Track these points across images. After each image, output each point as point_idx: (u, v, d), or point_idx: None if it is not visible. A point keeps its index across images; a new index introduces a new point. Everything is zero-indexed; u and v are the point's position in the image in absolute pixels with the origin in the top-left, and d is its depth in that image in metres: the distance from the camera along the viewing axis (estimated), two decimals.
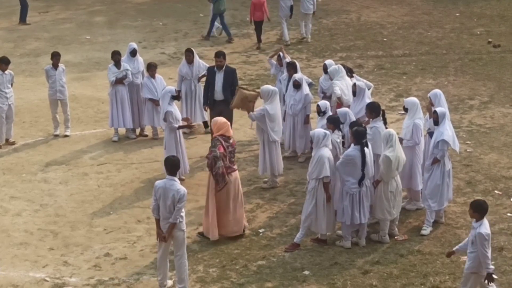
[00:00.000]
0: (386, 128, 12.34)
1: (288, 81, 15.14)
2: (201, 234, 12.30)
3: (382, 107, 12.99)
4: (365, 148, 11.61)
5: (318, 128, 12.56)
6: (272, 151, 13.77)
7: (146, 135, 16.72)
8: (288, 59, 16.24)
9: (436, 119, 12.12)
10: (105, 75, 17.26)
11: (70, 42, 25.07)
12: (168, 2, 30.84)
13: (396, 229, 12.23)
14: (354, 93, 13.92)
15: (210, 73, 15.32)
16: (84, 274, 11.32)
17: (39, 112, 18.22)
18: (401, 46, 24.05)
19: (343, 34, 25.67)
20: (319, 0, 30.18)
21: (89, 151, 15.99)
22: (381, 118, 12.50)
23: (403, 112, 15.41)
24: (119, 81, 16.15)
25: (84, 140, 16.58)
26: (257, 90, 14.53)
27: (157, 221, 10.53)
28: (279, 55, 16.35)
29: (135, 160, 15.45)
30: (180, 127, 14.09)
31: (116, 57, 16.21)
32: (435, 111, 12.19)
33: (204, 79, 15.86)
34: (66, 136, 16.72)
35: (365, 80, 15.23)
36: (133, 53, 16.60)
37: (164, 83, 16.03)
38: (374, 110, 12.53)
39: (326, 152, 11.65)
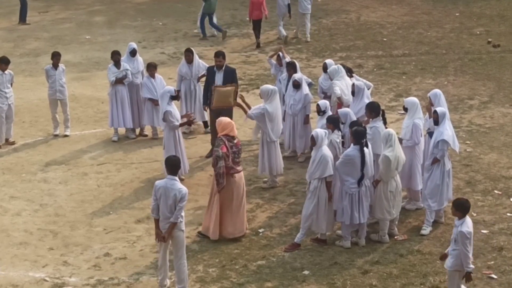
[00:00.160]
0: (386, 128, 12.34)
1: (288, 81, 15.14)
2: (200, 233, 12.30)
3: (382, 107, 12.99)
4: (365, 148, 11.62)
5: (318, 128, 12.57)
6: (271, 151, 13.77)
7: (146, 135, 16.72)
8: (287, 59, 16.24)
9: (436, 119, 12.12)
10: (105, 75, 17.26)
11: (70, 42, 25.07)
12: (168, 2, 30.85)
13: (396, 229, 12.24)
14: (353, 93, 13.92)
15: (210, 73, 15.32)
16: (83, 274, 11.32)
17: (38, 112, 18.22)
18: (400, 46, 24.06)
19: (342, 34, 25.67)
20: (318, 0, 30.27)
21: (89, 151, 15.99)
22: (381, 118, 12.50)
23: (402, 112, 15.42)
24: (119, 81, 16.15)
25: (84, 140, 16.58)
26: (234, 85, 14.55)
27: (156, 221, 10.51)
28: (278, 55, 16.35)
29: (135, 160, 15.45)
30: (181, 124, 14.10)
31: (115, 57, 16.21)
32: (435, 111, 12.19)
33: (203, 79, 15.85)
34: (65, 136, 16.73)
35: (364, 80, 15.24)
36: (132, 53, 16.60)
37: (164, 83, 16.03)
38: (373, 110, 12.53)
39: (328, 151, 11.68)
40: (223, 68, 15.15)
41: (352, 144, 11.70)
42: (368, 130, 12.17)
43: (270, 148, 13.77)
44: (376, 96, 18.49)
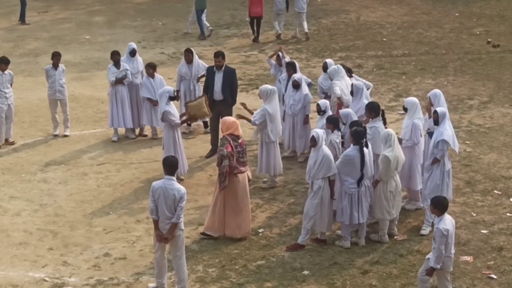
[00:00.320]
0: (386, 128, 12.34)
1: (288, 81, 15.14)
2: (204, 234, 12.26)
3: (382, 107, 12.99)
4: (364, 148, 11.63)
5: (317, 128, 12.59)
6: (269, 151, 13.77)
7: (146, 135, 16.72)
8: (287, 59, 16.24)
9: (436, 119, 12.12)
10: (105, 75, 17.26)
11: (70, 42, 25.07)
12: (168, 2, 30.85)
13: (396, 229, 12.24)
14: (351, 93, 13.93)
15: (210, 73, 15.32)
16: (83, 274, 11.32)
17: (38, 112, 18.22)
18: (400, 46, 24.06)
19: (342, 34, 25.68)
20: (318, 0, 30.30)
21: (89, 151, 15.98)
22: (381, 118, 12.50)
23: (402, 112, 15.42)
24: (119, 81, 16.15)
25: (84, 140, 16.58)
26: (203, 95, 14.71)
27: (156, 223, 10.48)
28: (278, 55, 16.35)
29: (135, 160, 15.45)
30: (183, 122, 14.11)
31: (115, 57, 16.21)
32: (435, 111, 12.19)
33: (203, 79, 15.85)
34: (65, 136, 16.72)
35: (364, 80, 15.24)
36: (132, 53, 16.60)
37: (164, 83, 15.98)
38: (373, 110, 12.53)
39: (328, 151, 11.71)
40: (223, 68, 15.15)
41: (352, 144, 11.71)
42: (368, 130, 12.17)
43: (269, 148, 13.77)
44: (376, 96, 18.49)
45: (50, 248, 12.09)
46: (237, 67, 18.23)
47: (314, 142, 11.71)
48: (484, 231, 12.31)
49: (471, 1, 29.76)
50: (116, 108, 16.22)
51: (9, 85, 16.15)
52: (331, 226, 12.07)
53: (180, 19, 27.51)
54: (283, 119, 14.88)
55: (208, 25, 25.50)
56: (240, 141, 12.14)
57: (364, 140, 11.70)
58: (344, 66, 15.24)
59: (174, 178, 10.47)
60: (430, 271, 9.93)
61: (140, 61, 16.71)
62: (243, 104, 14.25)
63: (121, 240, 12.32)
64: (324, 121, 12.94)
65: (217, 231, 12.14)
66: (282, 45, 21.80)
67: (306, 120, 14.98)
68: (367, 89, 14.36)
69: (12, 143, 16.34)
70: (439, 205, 9.86)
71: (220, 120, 12.45)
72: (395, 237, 12.14)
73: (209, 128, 16.17)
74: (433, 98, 12.84)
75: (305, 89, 14.91)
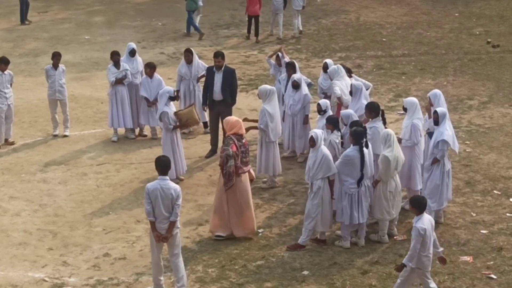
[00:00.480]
0: (385, 128, 12.34)
1: (287, 81, 15.14)
2: (218, 236, 12.21)
3: (381, 107, 12.99)
4: (364, 149, 11.62)
5: (316, 128, 12.58)
6: (269, 151, 13.77)
7: (145, 135, 16.72)
8: (287, 59, 16.24)
9: (437, 119, 12.12)
10: (104, 75, 17.26)
11: (69, 42, 25.07)
12: (167, 2, 30.84)
13: (395, 229, 12.24)
14: (350, 93, 13.94)
15: (209, 73, 15.32)
16: (83, 274, 11.32)
17: (38, 112, 18.22)
18: (400, 46, 24.06)
19: (342, 34, 25.68)
20: (318, 0, 30.31)
21: (88, 151, 15.98)
22: (381, 118, 12.50)
23: (402, 112, 15.42)
24: (118, 81, 16.15)
25: (83, 140, 16.58)
26: (192, 104, 15.01)
27: (153, 224, 10.47)
28: (277, 55, 16.35)
29: (134, 160, 15.44)
30: (175, 127, 14.07)
31: (115, 57, 16.21)
32: (435, 111, 12.19)
33: (203, 79, 15.85)
34: (65, 136, 16.72)
35: (363, 80, 15.25)
36: (132, 53, 16.60)
37: (162, 84, 15.92)
38: (373, 110, 12.53)
39: (327, 151, 11.72)
40: (223, 68, 15.15)
41: (352, 145, 11.70)
42: (367, 130, 12.17)
43: (268, 148, 13.77)
44: (376, 96, 18.49)
45: (49, 248, 12.09)
46: (236, 67, 18.25)
47: (313, 142, 11.71)
48: (484, 231, 12.31)
49: (471, 1, 29.76)
50: (116, 108, 16.22)
51: (9, 85, 16.15)
52: (332, 225, 12.07)
53: (180, 19, 27.48)
54: (283, 119, 14.88)
55: (186, 28, 25.69)
56: (243, 141, 12.15)
57: (364, 140, 11.70)
58: (343, 66, 15.25)
59: (168, 177, 10.47)
60: (400, 267, 9.98)
61: (139, 61, 16.71)
62: (245, 120, 14.14)
63: (121, 240, 12.32)
64: (324, 121, 12.95)
65: (226, 231, 12.13)
66: (282, 45, 21.83)
67: (305, 120, 14.98)
68: (367, 89, 14.36)
69: (12, 143, 16.34)
70: (418, 205, 9.93)
71: (224, 120, 12.44)
72: (395, 237, 12.14)
73: (209, 128, 16.17)
74: (433, 98, 12.84)
75: (304, 89, 14.91)
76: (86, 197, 13.90)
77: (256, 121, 14.01)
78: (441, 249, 10.22)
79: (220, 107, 15.12)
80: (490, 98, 18.93)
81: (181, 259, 10.63)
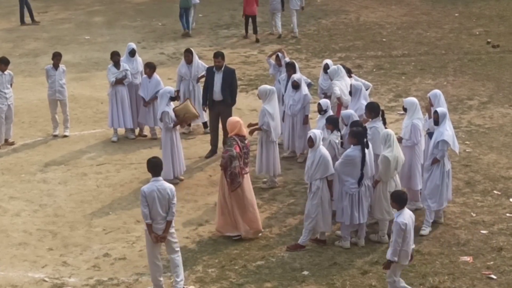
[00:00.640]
0: (386, 128, 12.34)
1: (287, 81, 15.14)
2: (235, 236, 12.20)
3: (381, 107, 12.99)
4: (366, 149, 11.63)
5: (316, 128, 12.58)
6: (269, 151, 13.78)
7: (145, 135, 16.72)
8: (287, 59, 16.25)
9: (437, 119, 12.12)
10: (104, 75, 17.27)
11: (69, 42, 25.07)
12: (167, 2, 30.82)
13: None
14: (350, 93, 13.94)
15: (209, 74, 15.32)
16: (83, 274, 11.32)
17: (38, 112, 18.22)
18: (400, 46, 24.06)
19: (342, 35, 25.68)
20: (318, 0, 30.31)
21: (88, 151, 15.98)
22: (380, 118, 12.50)
23: (402, 112, 15.42)
24: (119, 82, 16.15)
25: (83, 140, 16.58)
26: (186, 98, 14.98)
27: (150, 226, 10.45)
28: (277, 55, 16.35)
29: (134, 160, 15.44)
30: (175, 125, 14.09)
31: (115, 57, 16.20)
32: (435, 111, 12.19)
33: (203, 79, 15.84)
34: (65, 136, 16.72)
35: (363, 80, 15.25)
36: (132, 53, 16.61)
37: (160, 85, 15.91)
38: (373, 110, 12.53)
39: (326, 151, 11.72)
40: (222, 68, 15.16)
41: (352, 145, 11.69)
42: (367, 131, 12.16)
43: (269, 148, 13.77)
44: (376, 96, 18.49)
45: (49, 248, 12.09)
46: (236, 68, 18.25)
47: (311, 142, 11.71)
48: (484, 232, 12.30)
49: (471, 1, 29.76)
50: (116, 108, 16.22)
51: (9, 86, 16.15)
52: (331, 227, 12.06)
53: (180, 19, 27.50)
54: (283, 119, 14.88)
55: (193, 27, 25.75)
56: (246, 142, 12.16)
57: (365, 140, 11.69)
58: (343, 67, 15.25)
59: (161, 178, 10.48)
60: (387, 264, 10.05)
61: (139, 61, 16.71)
62: (250, 125, 14.12)
63: (121, 241, 12.32)
64: (324, 120, 12.94)
65: (235, 231, 12.14)
66: (282, 45, 21.86)
67: (305, 121, 14.98)
68: (366, 90, 14.36)
69: (12, 144, 16.34)
70: (398, 200, 10.04)
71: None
72: None
73: (208, 128, 16.17)
74: (433, 99, 12.84)
75: (304, 89, 14.92)
76: (86, 197, 13.89)
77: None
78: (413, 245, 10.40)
79: (220, 107, 15.13)
80: (490, 98, 18.93)
81: (179, 254, 10.68)
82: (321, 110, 13.41)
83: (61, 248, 12.11)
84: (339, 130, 12.67)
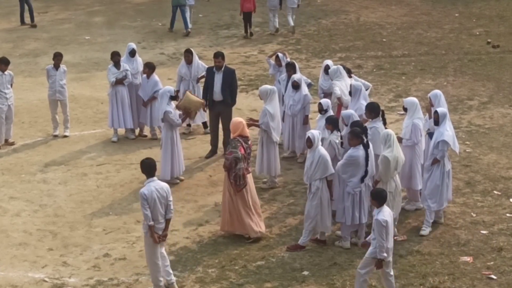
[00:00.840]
0: (386, 128, 12.34)
1: (287, 81, 15.14)
2: (250, 238, 12.18)
3: (381, 108, 12.99)
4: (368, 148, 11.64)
5: (317, 128, 12.57)
6: (270, 152, 13.78)
7: (145, 136, 16.72)
8: (288, 59, 16.25)
9: (437, 119, 12.12)
10: (104, 76, 17.27)
11: (69, 42, 25.07)
12: (167, 2, 30.66)
13: (396, 229, 12.22)
14: (350, 94, 13.94)
15: (209, 74, 15.32)
16: (83, 275, 11.32)
17: (38, 112, 18.22)
18: (400, 46, 24.06)
19: (342, 35, 25.68)
20: (318, 1, 30.33)
21: (88, 151, 15.98)
22: (381, 118, 12.50)
23: (402, 112, 15.42)
24: (119, 82, 16.15)
25: (83, 140, 16.58)
26: (202, 100, 14.84)
27: (153, 227, 10.46)
28: (277, 56, 16.35)
29: (134, 161, 15.43)
30: (183, 120, 14.25)
31: (115, 57, 16.20)
32: (436, 111, 12.19)
33: (203, 79, 15.84)
34: (65, 136, 16.72)
35: (363, 80, 15.25)
36: (132, 53, 16.61)
37: (158, 85, 15.91)
38: (373, 110, 12.53)
39: (324, 151, 11.73)
40: (223, 68, 15.15)
41: (350, 146, 11.69)
42: (367, 131, 12.15)
43: (269, 149, 13.77)
44: (376, 96, 18.49)
45: (49, 248, 12.09)
46: (236, 68, 18.25)
47: (310, 143, 11.72)
48: (484, 232, 12.31)
49: (471, 1, 29.76)
50: (116, 108, 16.22)
51: (9, 86, 16.16)
52: (331, 226, 12.06)
53: (180, 20, 27.47)
54: (283, 119, 14.88)
55: (190, 25, 25.86)
56: (249, 142, 12.16)
57: (366, 139, 11.69)
58: (343, 67, 15.25)
59: (156, 178, 10.51)
60: (379, 264, 10.10)
61: (139, 62, 16.70)
62: (250, 119, 14.12)
63: (121, 241, 12.32)
64: (324, 120, 12.94)
65: (243, 230, 12.15)
66: (283, 47, 21.88)
67: (305, 121, 14.98)
68: (366, 90, 14.36)
69: (12, 144, 16.34)
70: (378, 197, 10.14)
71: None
72: (395, 238, 12.09)
73: (208, 128, 16.17)
74: (434, 99, 12.84)
75: (304, 89, 14.92)
76: (86, 197, 13.90)
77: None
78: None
79: (220, 107, 15.13)
80: (490, 99, 18.93)
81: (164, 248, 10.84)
82: (322, 110, 13.41)
83: (61, 248, 12.11)
84: (339, 130, 12.67)
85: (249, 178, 12.18)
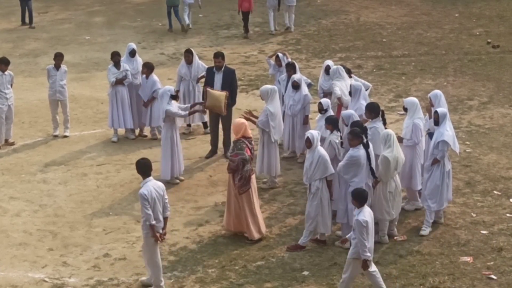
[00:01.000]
0: (386, 128, 12.33)
1: (287, 81, 15.15)
2: (258, 239, 12.18)
3: (381, 108, 12.99)
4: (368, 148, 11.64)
5: (317, 127, 12.57)
6: (271, 152, 13.78)
7: (145, 136, 16.72)
8: (289, 59, 16.25)
9: (437, 120, 12.12)
10: (104, 76, 17.27)
11: (69, 42, 25.06)
12: None
13: (396, 229, 12.23)
14: (349, 94, 13.94)
15: (209, 74, 15.32)
16: (83, 275, 11.32)
17: (38, 112, 18.22)
18: (400, 46, 24.06)
19: (342, 35, 25.68)
20: (318, 1, 30.33)
21: (88, 151, 15.98)
22: (380, 118, 12.50)
23: (402, 112, 15.42)
24: (119, 82, 16.15)
25: (83, 140, 16.58)
26: (226, 91, 14.64)
27: (153, 227, 10.47)
28: (277, 56, 16.36)
29: (134, 161, 15.31)
30: (190, 113, 14.31)
31: (115, 58, 16.21)
32: (436, 112, 12.19)
33: (203, 80, 15.84)
34: (65, 136, 16.72)
35: (363, 80, 15.25)
36: (132, 53, 16.61)
37: (156, 85, 15.92)
38: (373, 110, 12.53)
39: (324, 151, 11.73)
40: (223, 69, 15.16)
41: (350, 147, 11.69)
42: (367, 131, 12.15)
43: (270, 149, 13.77)
44: (376, 96, 18.49)
45: (50, 248, 12.09)
46: (236, 68, 18.25)
47: (309, 143, 11.72)
48: (484, 232, 12.30)
49: (471, 1, 29.76)
50: (116, 108, 16.22)
51: (9, 86, 16.16)
52: (331, 226, 12.06)
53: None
54: (283, 119, 14.86)
55: (188, 21, 26.12)
56: (253, 143, 12.17)
57: (366, 139, 11.69)
58: (344, 67, 15.25)
59: (151, 177, 10.53)
60: (364, 264, 10.10)
61: (139, 62, 16.70)
62: (248, 113, 14.10)
63: (121, 241, 12.32)
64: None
65: (256, 234, 12.15)
66: (283, 47, 21.88)
67: (305, 121, 14.98)
68: (366, 90, 14.36)
69: (12, 144, 16.34)
70: (359, 197, 10.18)
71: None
72: (395, 238, 12.14)
73: (208, 128, 16.17)
74: (434, 99, 12.84)
75: (304, 89, 14.92)
76: (86, 197, 13.90)
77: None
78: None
79: None
80: (490, 99, 18.93)
81: None
82: (322, 110, 13.41)
83: (61, 248, 12.11)
84: (338, 130, 12.66)
85: (253, 178, 12.18)
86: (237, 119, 12.53)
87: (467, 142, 15.99)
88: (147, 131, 16.73)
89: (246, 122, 12.31)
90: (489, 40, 24.16)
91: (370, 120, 12.57)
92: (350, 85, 14.01)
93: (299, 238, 11.96)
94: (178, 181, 14.30)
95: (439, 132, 12.07)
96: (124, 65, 16.25)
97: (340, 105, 14.38)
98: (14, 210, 13.40)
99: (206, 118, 16.20)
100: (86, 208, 13.49)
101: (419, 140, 12.54)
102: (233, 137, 12.76)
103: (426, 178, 12.29)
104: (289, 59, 16.30)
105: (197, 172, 14.89)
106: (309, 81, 15.76)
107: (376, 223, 12.20)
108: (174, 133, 14.06)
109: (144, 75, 16.14)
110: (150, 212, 10.34)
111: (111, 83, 16.18)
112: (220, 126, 15.37)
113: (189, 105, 14.69)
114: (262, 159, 13.81)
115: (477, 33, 25.44)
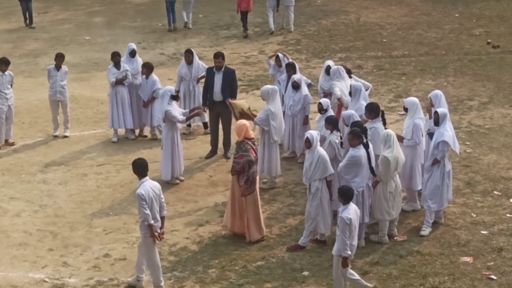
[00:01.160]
0: (385, 128, 12.34)
1: (287, 82, 15.15)
2: (261, 239, 12.20)
3: (381, 108, 12.99)
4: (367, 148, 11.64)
5: (317, 127, 12.56)
6: (271, 152, 13.79)
7: (145, 136, 16.73)
8: (289, 60, 16.25)
9: (437, 120, 12.12)
10: (104, 76, 17.27)
11: (69, 42, 25.06)
12: None
13: (396, 229, 12.23)
14: (349, 94, 13.95)
15: (209, 74, 15.32)
16: (83, 275, 11.32)
17: (38, 112, 18.22)
18: (400, 46, 24.06)
19: (342, 35, 25.68)
20: (318, 1, 30.33)
21: (88, 151, 15.98)
22: (380, 118, 12.50)
23: (402, 112, 15.42)
24: (119, 82, 16.16)
25: (83, 140, 16.58)
26: (243, 100, 14.76)
27: (152, 227, 10.48)
28: (277, 56, 16.36)
29: None
30: (189, 118, 14.26)
31: (116, 58, 16.21)
32: (436, 112, 12.19)
33: (203, 80, 15.84)
34: (65, 137, 16.73)
35: (363, 80, 15.25)
36: (132, 53, 16.61)
37: (156, 85, 15.94)
38: (373, 110, 12.53)
39: (323, 151, 11.73)
40: (223, 69, 15.16)
41: (350, 147, 11.69)
42: (367, 131, 12.15)
43: (271, 149, 13.78)
44: (376, 97, 18.49)
45: (50, 249, 12.09)
46: (237, 68, 18.25)
47: (308, 143, 11.72)
48: (484, 232, 12.31)
49: (471, 2, 29.76)
50: (116, 108, 16.23)
51: (9, 86, 16.16)
52: (332, 227, 12.06)
53: (179, 20, 27.50)
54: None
55: (186, 19, 26.29)
56: (256, 144, 12.17)
57: (366, 139, 11.69)
58: (344, 67, 15.25)
59: (148, 177, 10.54)
60: (344, 262, 10.16)
61: (139, 62, 16.70)
62: (248, 109, 14.10)
63: (121, 241, 12.32)
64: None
65: (255, 235, 12.15)
66: (283, 47, 21.89)
67: (306, 121, 14.98)
68: (366, 90, 14.36)
69: (12, 144, 16.34)
70: (345, 194, 10.27)
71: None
72: (395, 238, 12.14)
73: (209, 129, 16.17)
74: (434, 99, 12.84)
75: (304, 89, 14.92)
76: (86, 197, 13.90)
77: (254, 115, 14.01)
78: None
79: (220, 107, 15.12)
80: (490, 99, 18.93)
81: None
82: (322, 110, 13.42)
83: (61, 248, 12.11)
84: (338, 130, 12.66)
85: (257, 179, 12.18)
86: (239, 121, 12.50)
87: (467, 142, 16.00)
88: (147, 131, 16.73)
89: (247, 123, 12.30)
90: (489, 40, 24.16)
91: (370, 120, 12.57)
92: (350, 85, 14.01)
93: (299, 238, 11.97)
94: (178, 181, 14.30)
95: (439, 132, 12.07)
96: (124, 65, 16.26)
97: (340, 105, 14.38)
98: (14, 211, 13.40)
99: (206, 118, 16.20)
100: (86, 208, 13.49)
101: (420, 140, 12.55)
102: (234, 138, 12.75)
103: (426, 178, 12.29)
104: (289, 60, 16.31)
105: (197, 172, 14.89)
106: (309, 81, 15.77)
107: (376, 223, 12.25)
108: (175, 133, 14.07)
109: (144, 75, 16.16)
110: (148, 212, 10.35)
111: (111, 83, 16.18)
112: (220, 126, 15.38)
113: (189, 110, 14.66)
114: (263, 159, 13.81)
115: (477, 33, 25.44)
